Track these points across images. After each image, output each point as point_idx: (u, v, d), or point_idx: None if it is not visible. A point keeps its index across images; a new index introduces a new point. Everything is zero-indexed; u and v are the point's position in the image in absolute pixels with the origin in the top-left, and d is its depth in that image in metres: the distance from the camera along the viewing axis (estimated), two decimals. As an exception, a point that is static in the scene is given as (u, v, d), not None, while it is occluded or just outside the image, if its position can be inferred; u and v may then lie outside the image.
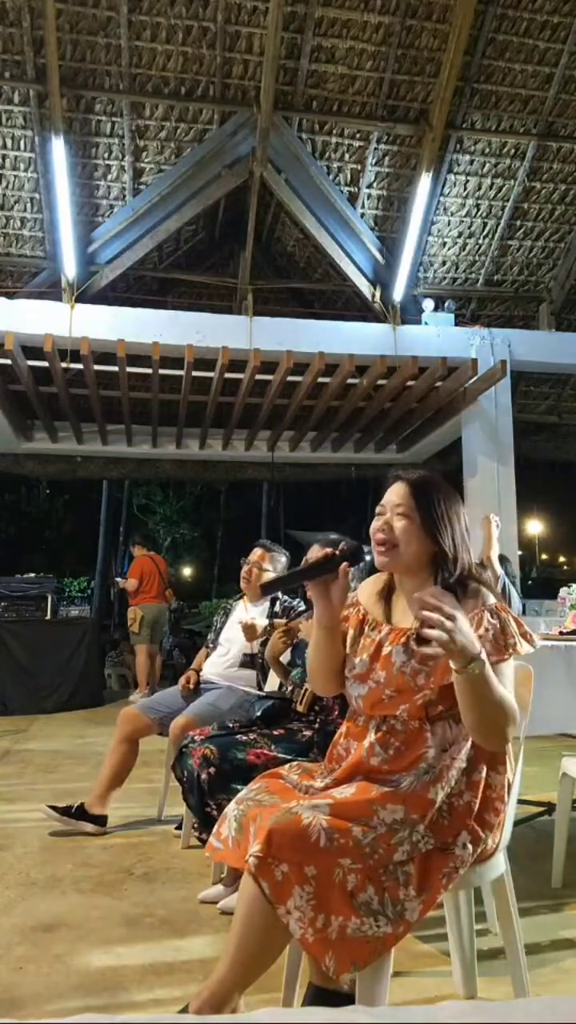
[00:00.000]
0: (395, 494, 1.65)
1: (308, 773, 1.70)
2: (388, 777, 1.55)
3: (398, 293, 6.84)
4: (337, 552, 1.64)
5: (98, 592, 17.99)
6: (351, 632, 1.71)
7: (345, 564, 1.62)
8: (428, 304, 6.99)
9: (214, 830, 1.61)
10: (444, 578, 1.61)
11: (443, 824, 1.50)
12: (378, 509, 1.67)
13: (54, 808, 3.18)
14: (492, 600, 1.58)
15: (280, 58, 6.09)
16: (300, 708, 2.53)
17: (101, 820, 3.18)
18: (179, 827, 3.11)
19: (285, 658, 2.79)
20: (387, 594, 1.73)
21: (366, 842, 1.41)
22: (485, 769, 1.57)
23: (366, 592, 1.76)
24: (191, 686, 3.30)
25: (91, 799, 3.21)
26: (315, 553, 2.57)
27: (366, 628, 1.69)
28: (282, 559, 3.41)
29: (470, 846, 1.50)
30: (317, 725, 2.49)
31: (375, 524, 1.65)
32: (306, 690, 2.52)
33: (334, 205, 6.82)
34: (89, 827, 3.13)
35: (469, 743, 1.56)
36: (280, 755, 2.34)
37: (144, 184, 6.68)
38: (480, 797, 1.55)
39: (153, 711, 3.25)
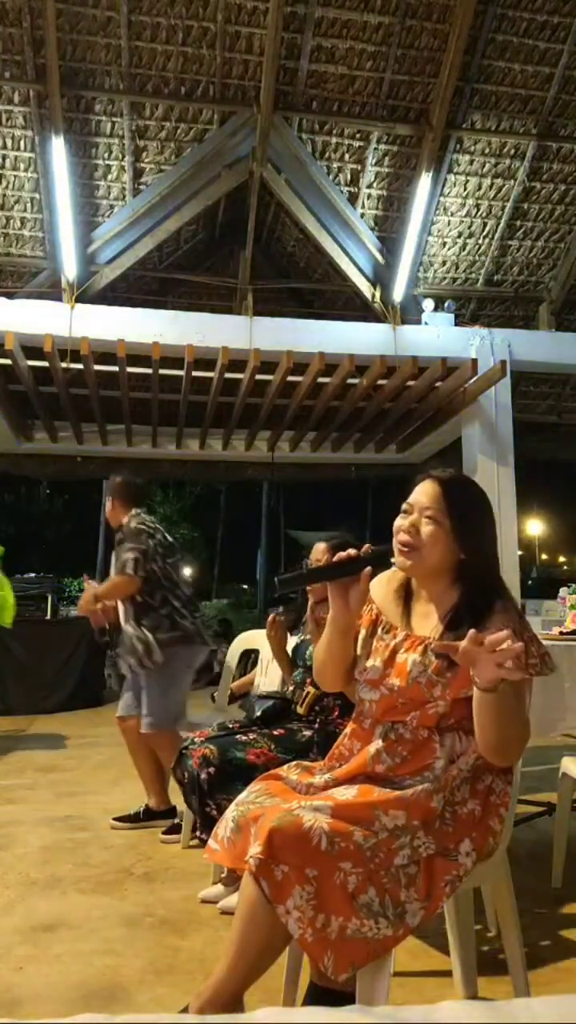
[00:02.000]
0: (425, 495, 1.57)
1: (307, 771, 1.69)
2: (391, 779, 1.54)
3: (398, 293, 6.83)
4: (362, 554, 1.56)
5: (98, 592, 17.90)
6: (363, 632, 1.66)
7: (368, 568, 1.55)
8: (428, 304, 6.99)
9: (213, 832, 1.61)
10: (467, 586, 1.56)
11: (446, 831, 1.48)
12: (404, 507, 1.60)
13: (122, 819, 3.28)
14: (517, 619, 1.54)
15: (280, 58, 6.09)
16: (301, 710, 2.53)
17: (171, 812, 3.27)
18: (167, 831, 3.11)
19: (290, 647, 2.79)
20: (404, 595, 1.66)
21: (367, 846, 1.40)
22: (490, 778, 1.56)
23: (380, 590, 1.69)
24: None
25: (153, 801, 3.31)
26: (318, 553, 2.57)
27: (379, 630, 1.64)
28: None
29: (473, 853, 1.48)
30: (317, 725, 2.50)
31: (400, 523, 1.58)
32: (307, 692, 2.52)
33: (334, 205, 6.81)
34: (162, 823, 3.22)
35: (476, 754, 1.54)
36: (280, 755, 2.35)
37: (144, 184, 6.68)
38: (484, 804, 1.54)
39: (137, 709, 3.31)
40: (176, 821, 3.15)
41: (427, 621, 1.61)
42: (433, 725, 1.53)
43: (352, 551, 1.58)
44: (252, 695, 3.02)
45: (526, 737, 1.44)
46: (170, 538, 3.50)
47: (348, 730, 1.68)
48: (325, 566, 1.64)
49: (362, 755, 1.59)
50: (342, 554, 1.58)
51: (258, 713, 2.58)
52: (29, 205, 6.59)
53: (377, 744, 1.57)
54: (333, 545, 2.50)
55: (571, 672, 2.74)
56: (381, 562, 1.58)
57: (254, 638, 3.64)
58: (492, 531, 1.62)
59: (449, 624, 1.56)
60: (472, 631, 1.30)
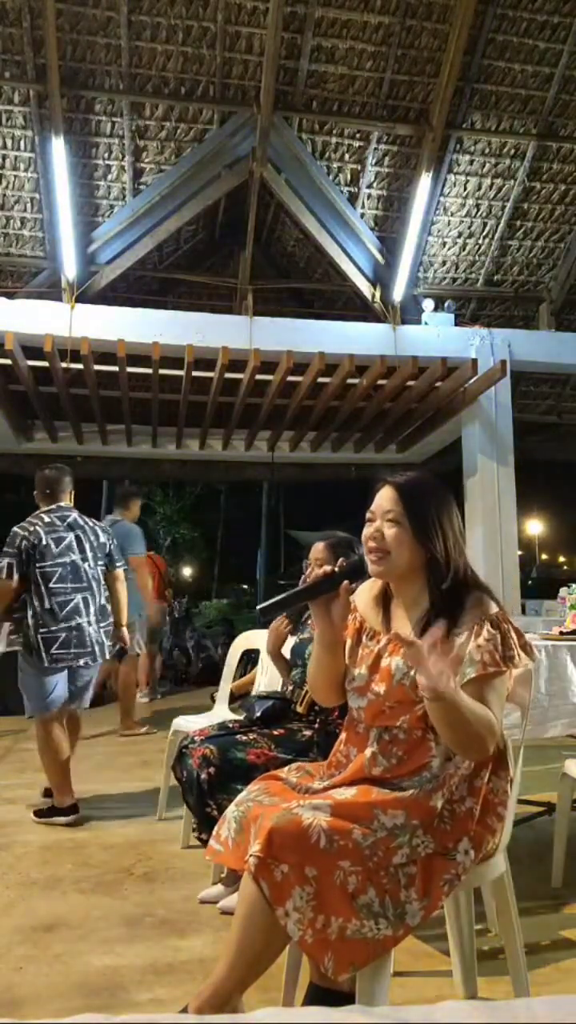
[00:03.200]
0: (384, 499, 1.61)
1: (308, 774, 1.70)
2: (390, 781, 1.55)
3: (398, 293, 6.83)
4: (337, 570, 1.60)
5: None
6: (349, 642, 1.68)
7: (346, 582, 1.58)
8: (428, 304, 6.99)
9: (214, 832, 1.61)
10: (437, 583, 1.58)
11: (444, 829, 1.49)
12: (368, 515, 1.63)
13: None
14: (494, 609, 1.55)
15: (280, 58, 6.08)
16: (300, 709, 2.53)
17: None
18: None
19: (286, 650, 2.78)
20: (384, 601, 1.69)
21: (366, 845, 1.40)
22: (487, 775, 1.56)
23: (363, 598, 1.73)
24: None
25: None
26: (317, 553, 2.57)
27: (364, 638, 1.67)
28: None
29: (472, 852, 1.49)
30: (317, 725, 2.50)
31: (366, 531, 1.62)
32: (306, 692, 2.52)
33: (334, 205, 6.81)
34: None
35: None
36: (280, 755, 2.34)
37: (144, 184, 6.68)
38: (482, 802, 1.54)
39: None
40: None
41: (407, 623, 1.63)
42: (424, 726, 1.53)
43: (328, 568, 1.61)
44: (252, 695, 3.01)
45: (490, 735, 1.43)
46: (61, 537, 3.60)
47: (343, 736, 1.69)
48: (303, 588, 1.65)
49: (359, 760, 1.60)
50: (318, 572, 1.62)
51: (258, 713, 2.58)
52: (29, 205, 6.59)
53: (372, 747, 1.58)
54: (331, 544, 2.52)
55: (571, 672, 2.74)
56: (357, 575, 1.61)
57: (254, 638, 3.63)
58: (454, 525, 1.63)
59: (424, 628, 1.56)
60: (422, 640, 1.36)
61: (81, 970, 1.98)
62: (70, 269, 6.31)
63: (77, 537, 3.65)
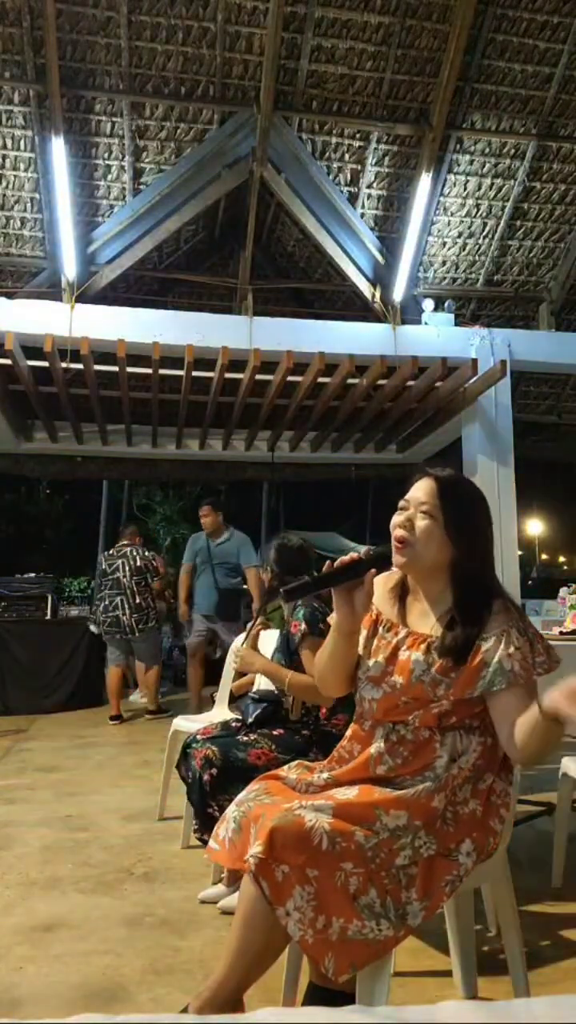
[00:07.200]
0: (421, 491, 1.59)
1: (308, 771, 1.69)
2: (392, 780, 1.54)
3: (398, 293, 6.83)
4: (363, 557, 1.57)
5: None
6: (364, 632, 1.67)
7: (372, 571, 1.56)
8: (428, 304, 6.98)
9: (213, 831, 1.61)
10: (461, 584, 1.57)
11: (447, 831, 1.48)
12: (401, 503, 1.61)
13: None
14: (517, 618, 1.55)
15: (280, 58, 6.08)
16: (293, 716, 2.54)
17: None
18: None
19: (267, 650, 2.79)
20: (401, 593, 1.68)
21: (368, 846, 1.40)
22: (491, 778, 1.56)
23: (377, 589, 1.69)
24: None
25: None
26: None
27: (380, 629, 1.65)
28: None
29: (473, 854, 1.48)
30: (313, 726, 2.50)
31: (397, 519, 1.59)
32: (292, 701, 2.52)
33: (334, 205, 6.80)
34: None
35: (477, 753, 1.54)
36: (280, 755, 2.35)
37: (144, 184, 6.67)
38: (485, 804, 1.54)
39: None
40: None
41: (425, 620, 1.62)
42: (435, 725, 1.52)
43: (354, 554, 1.59)
44: (248, 695, 3.01)
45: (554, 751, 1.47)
46: (112, 563, 6.57)
47: (349, 732, 1.68)
48: (329, 573, 1.60)
49: (363, 757, 1.59)
50: (344, 558, 1.59)
51: (251, 719, 2.56)
52: (29, 205, 6.59)
53: (378, 746, 1.57)
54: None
55: (571, 673, 2.73)
56: (383, 564, 1.59)
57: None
58: (487, 531, 1.62)
59: (448, 625, 1.57)
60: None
61: (81, 970, 1.98)
62: (70, 269, 6.31)
63: (122, 563, 6.46)
